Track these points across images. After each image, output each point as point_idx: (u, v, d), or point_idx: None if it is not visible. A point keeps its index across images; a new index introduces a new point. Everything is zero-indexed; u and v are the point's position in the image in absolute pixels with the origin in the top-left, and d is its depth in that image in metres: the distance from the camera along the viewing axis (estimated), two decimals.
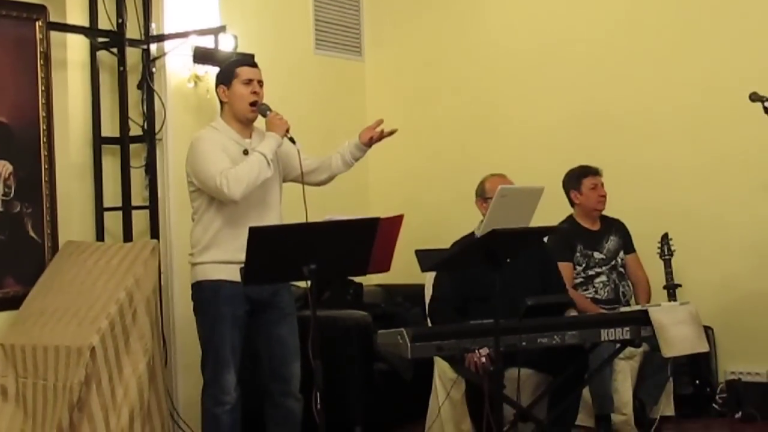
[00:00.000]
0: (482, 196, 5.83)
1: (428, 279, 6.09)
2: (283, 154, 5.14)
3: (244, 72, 5.07)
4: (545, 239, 5.87)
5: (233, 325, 4.98)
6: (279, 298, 5.11)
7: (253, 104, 5.05)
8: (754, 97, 5.56)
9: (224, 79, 5.10)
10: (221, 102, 5.15)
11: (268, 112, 5.04)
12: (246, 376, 5.06)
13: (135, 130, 6.31)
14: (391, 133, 5.23)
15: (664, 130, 7.10)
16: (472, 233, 5.69)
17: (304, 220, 4.81)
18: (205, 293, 5.03)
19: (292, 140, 5.00)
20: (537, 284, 5.58)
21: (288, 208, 5.16)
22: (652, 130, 7.14)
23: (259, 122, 5.17)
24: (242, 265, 4.51)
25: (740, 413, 6.44)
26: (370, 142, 5.22)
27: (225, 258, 4.94)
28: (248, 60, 5.33)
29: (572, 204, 6.58)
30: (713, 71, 6.93)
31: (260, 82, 5.09)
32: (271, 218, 5.03)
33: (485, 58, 7.78)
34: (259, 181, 4.87)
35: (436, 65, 8.01)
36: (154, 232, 6.31)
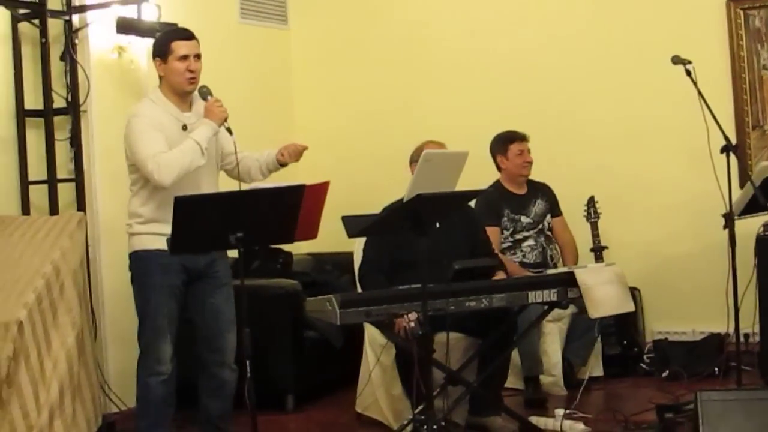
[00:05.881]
0: (416, 161, 5.83)
1: (357, 246, 6.11)
2: (222, 139, 5.07)
3: (179, 47, 4.95)
4: (472, 204, 5.90)
5: (169, 295, 4.95)
6: (215, 268, 5.09)
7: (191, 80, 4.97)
8: (676, 60, 5.61)
9: (160, 53, 5.00)
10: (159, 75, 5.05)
11: (209, 97, 4.95)
12: (182, 346, 5.04)
13: (59, 102, 6.24)
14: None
15: (588, 95, 7.17)
16: (402, 199, 5.70)
17: None
18: (141, 262, 5.01)
19: (229, 130, 4.92)
20: (465, 248, 5.61)
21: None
22: (577, 94, 7.21)
23: None
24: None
25: (667, 372, 6.52)
26: (283, 161, 5.15)
27: (162, 231, 4.87)
28: (183, 33, 5.08)
29: (499, 168, 6.62)
30: (636, 34, 7.02)
31: (197, 56, 4.99)
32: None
33: (412, 24, 7.78)
34: (191, 168, 4.82)
35: (361, 33, 7.99)
36: (81, 205, 6.26)
